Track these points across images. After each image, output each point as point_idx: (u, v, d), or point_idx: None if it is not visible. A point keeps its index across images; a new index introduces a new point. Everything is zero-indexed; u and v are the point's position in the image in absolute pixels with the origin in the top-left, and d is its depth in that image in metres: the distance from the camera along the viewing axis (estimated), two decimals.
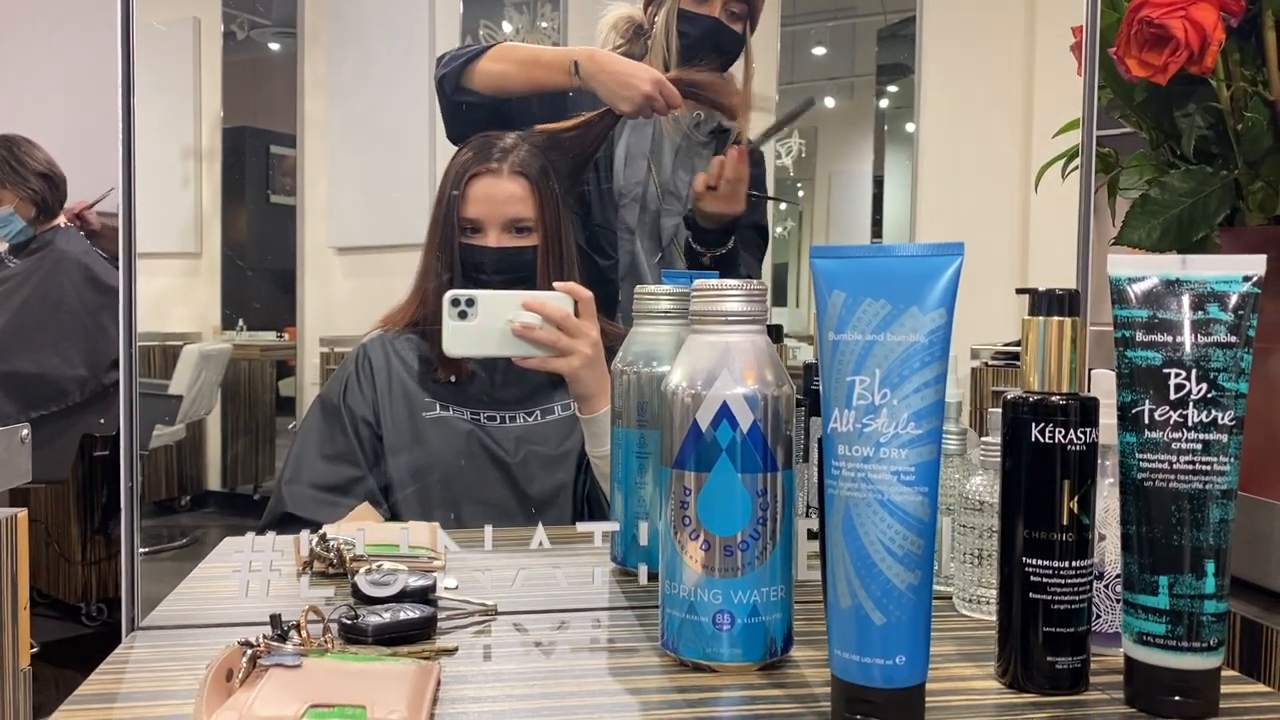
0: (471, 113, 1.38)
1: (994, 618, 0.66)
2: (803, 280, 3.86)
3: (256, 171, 3.61)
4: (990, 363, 2.50)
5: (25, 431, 0.90)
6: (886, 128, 3.60)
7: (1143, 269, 0.61)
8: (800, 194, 3.83)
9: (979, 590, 0.77)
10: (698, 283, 0.69)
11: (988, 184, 3.28)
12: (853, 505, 0.57)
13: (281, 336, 3.52)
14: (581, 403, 1.12)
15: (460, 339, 1.05)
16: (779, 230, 3.76)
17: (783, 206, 1.40)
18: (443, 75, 1.39)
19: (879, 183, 3.68)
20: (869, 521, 0.57)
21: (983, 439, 0.77)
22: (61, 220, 2.70)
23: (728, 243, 1.44)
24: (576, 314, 1.07)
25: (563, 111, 1.40)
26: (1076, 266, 0.74)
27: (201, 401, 3.15)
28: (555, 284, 1.09)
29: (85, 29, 2.84)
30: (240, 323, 3.54)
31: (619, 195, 1.46)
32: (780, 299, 3.73)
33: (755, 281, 0.68)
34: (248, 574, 0.74)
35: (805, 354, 3.23)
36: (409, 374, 1.25)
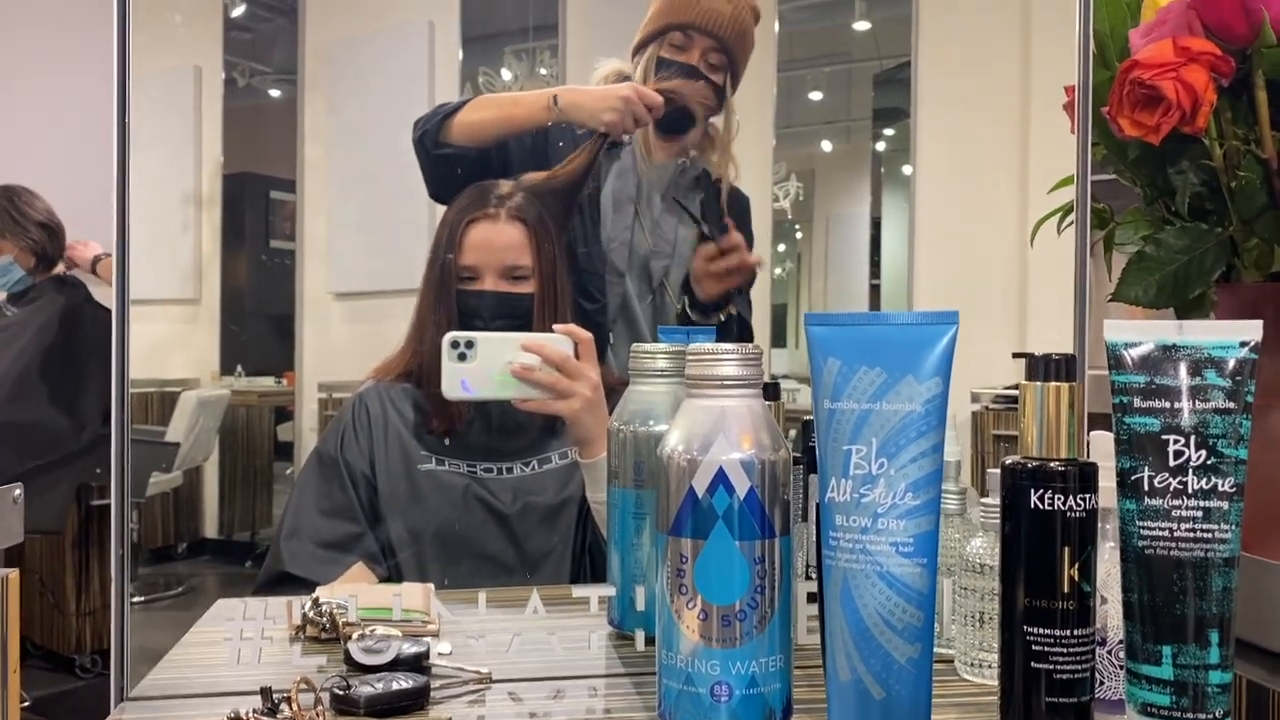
0: (453, 166, 1.39)
1: (996, 682, 0.65)
2: (801, 322, 3.84)
3: (256, 217, 3.63)
4: (991, 406, 2.50)
5: (18, 492, 0.89)
6: (883, 170, 3.63)
7: (1139, 334, 0.61)
8: (798, 236, 3.84)
9: (981, 654, 0.76)
10: (693, 346, 0.68)
11: (985, 224, 3.29)
12: (851, 577, 0.57)
13: (280, 382, 3.52)
14: (582, 447, 1.11)
15: (459, 381, 1.04)
16: (778, 271, 3.77)
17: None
18: (422, 134, 1.40)
19: (876, 224, 3.69)
20: (867, 594, 0.56)
21: (982, 500, 0.77)
22: (60, 269, 2.71)
23: (726, 308, 1.45)
24: (576, 356, 1.07)
25: (544, 158, 1.41)
26: (1074, 327, 0.74)
27: (199, 448, 3.15)
28: (555, 326, 1.09)
29: (86, 78, 2.87)
30: (239, 368, 3.54)
31: (607, 241, 1.47)
32: (779, 339, 3.72)
33: (751, 345, 0.67)
34: (239, 642, 0.73)
35: (804, 396, 3.22)
36: (405, 425, 1.24)
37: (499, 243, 1.23)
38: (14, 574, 0.97)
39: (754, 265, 1.47)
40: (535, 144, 1.44)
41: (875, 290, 3.43)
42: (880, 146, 3.50)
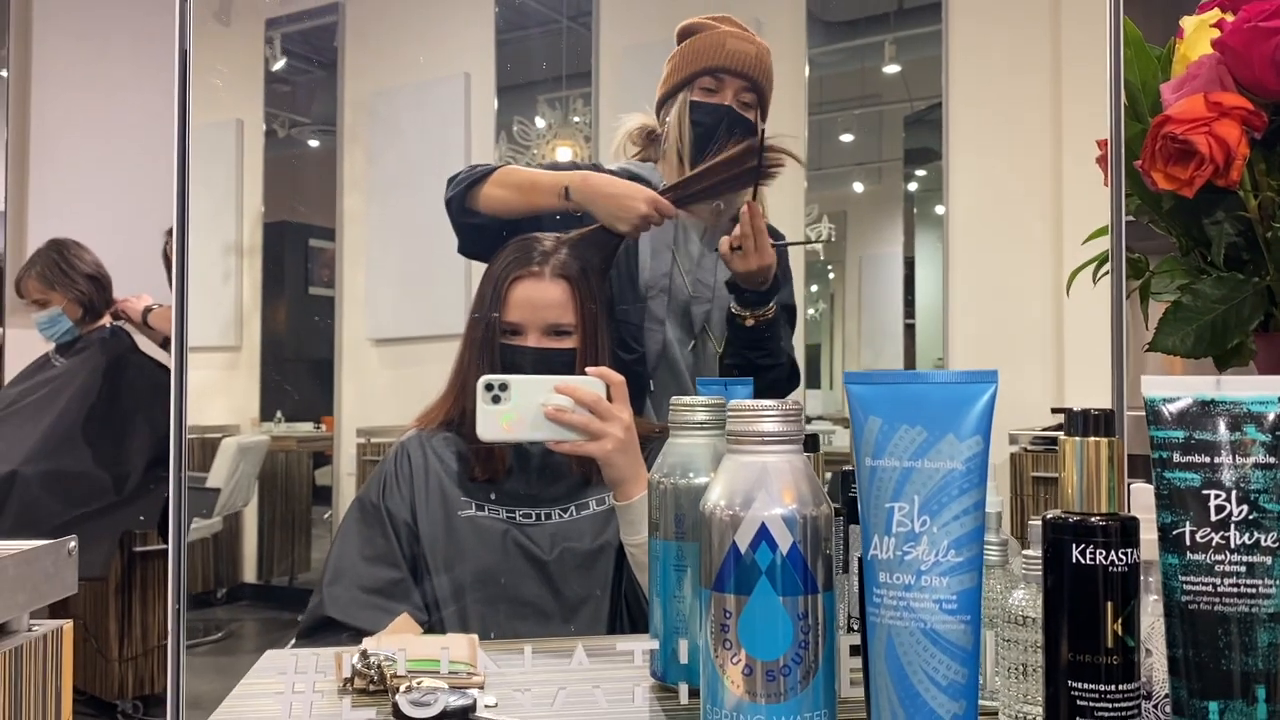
0: (480, 232, 1.41)
1: None
2: (835, 362, 3.86)
3: (296, 264, 3.71)
4: (1029, 448, 2.49)
5: (73, 544, 0.91)
6: (915, 211, 3.65)
7: (1177, 390, 0.62)
8: (831, 276, 3.84)
9: (1025, 707, 0.76)
10: (733, 403, 0.69)
11: (1020, 262, 3.30)
12: (895, 634, 0.57)
13: (319, 427, 3.56)
14: (616, 488, 1.12)
15: (494, 423, 1.06)
16: (811, 312, 3.77)
17: (815, 238, 1.40)
18: (450, 198, 1.42)
19: (910, 264, 3.70)
20: (912, 650, 0.57)
21: (1023, 552, 0.77)
22: (107, 321, 2.77)
23: (769, 304, 1.43)
24: (609, 398, 1.08)
25: (574, 220, 1.41)
26: (1111, 383, 0.75)
27: (239, 494, 3.20)
28: (587, 369, 1.10)
29: (133, 135, 2.95)
30: (278, 414, 3.59)
31: (645, 288, 1.48)
32: (813, 381, 3.72)
33: (791, 401, 0.68)
34: (290, 695, 0.74)
35: (839, 438, 3.21)
36: (446, 473, 1.26)
37: (543, 301, 1.25)
38: (68, 625, 0.99)
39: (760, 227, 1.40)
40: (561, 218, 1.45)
41: (910, 330, 3.44)
42: (912, 187, 3.52)
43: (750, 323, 1.43)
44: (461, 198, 1.41)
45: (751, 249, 1.37)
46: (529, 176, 1.43)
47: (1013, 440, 2.64)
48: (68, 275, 2.69)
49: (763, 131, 1.49)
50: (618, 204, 1.36)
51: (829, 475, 1.11)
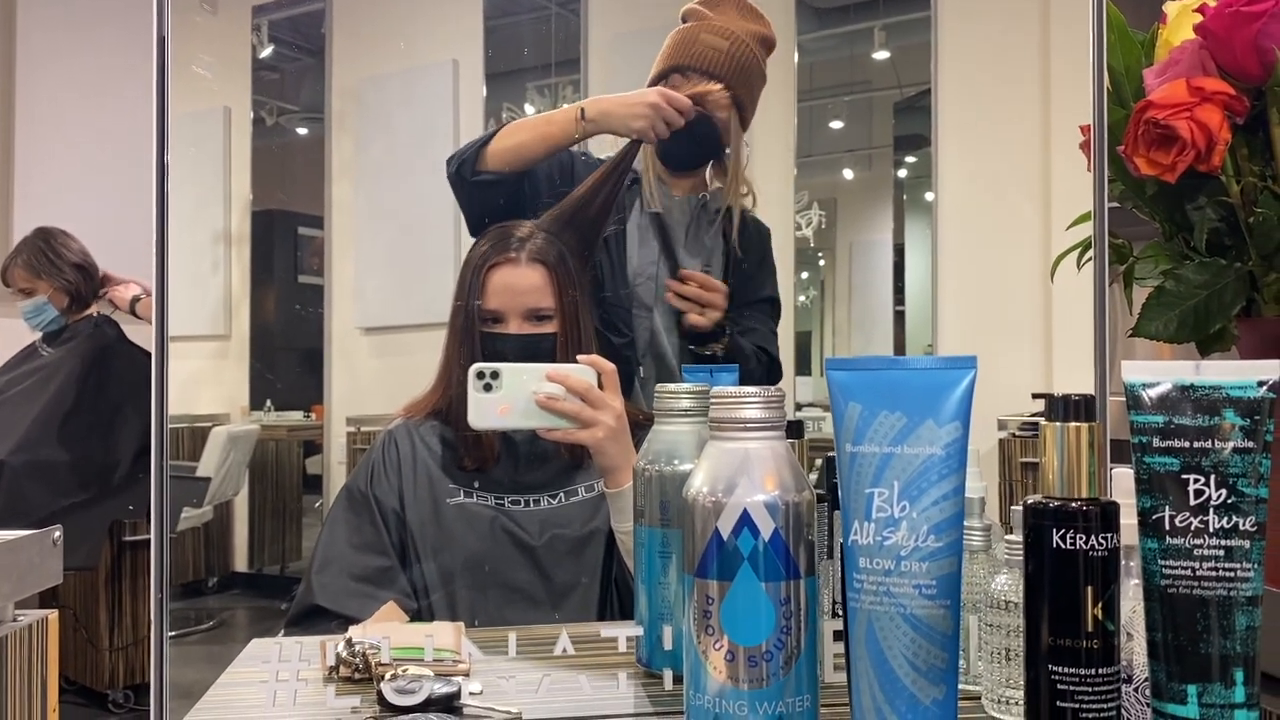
0: (492, 194, 1.40)
1: None
2: (825, 349, 3.85)
3: (285, 252, 3.69)
4: (1018, 434, 2.50)
5: (57, 534, 0.91)
6: (905, 197, 3.64)
7: (1157, 375, 0.62)
8: (821, 263, 3.84)
9: (1007, 691, 0.76)
10: (715, 390, 0.69)
11: (1009, 249, 3.30)
12: (875, 619, 0.57)
13: (309, 416, 3.55)
14: (607, 476, 1.12)
15: (485, 411, 1.06)
16: (801, 299, 3.76)
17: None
18: (459, 165, 1.42)
19: (899, 251, 3.70)
20: (892, 635, 0.57)
21: (1005, 537, 0.77)
22: (94, 310, 2.76)
23: (722, 339, 1.46)
24: (600, 386, 1.08)
25: (570, 184, 1.43)
26: (1094, 367, 0.75)
27: (229, 483, 3.19)
28: (578, 356, 1.10)
29: (121, 123, 2.94)
30: (268, 403, 3.58)
31: (634, 276, 1.48)
32: (804, 368, 3.72)
33: (773, 388, 0.68)
34: (275, 684, 0.74)
35: (829, 425, 3.20)
36: (434, 461, 1.26)
37: (521, 286, 1.25)
38: (53, 615, 0.99)
39: (711, 301, 1.45)
40: (563, 171, 1.46)
41: (899, 316, 3.44)
42: (902, 173, 3.52)
43: (708, 353, 1.45)
44: (472, 160, 1.41)
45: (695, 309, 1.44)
46: (541, 116, 1.46)
47: (1001, 426, 2.65)
48: (54, 264, 2.68)
49: (740, 132, 1.49)
50: (628, 103, 1.38)
51: (818, 461, 1.11)
